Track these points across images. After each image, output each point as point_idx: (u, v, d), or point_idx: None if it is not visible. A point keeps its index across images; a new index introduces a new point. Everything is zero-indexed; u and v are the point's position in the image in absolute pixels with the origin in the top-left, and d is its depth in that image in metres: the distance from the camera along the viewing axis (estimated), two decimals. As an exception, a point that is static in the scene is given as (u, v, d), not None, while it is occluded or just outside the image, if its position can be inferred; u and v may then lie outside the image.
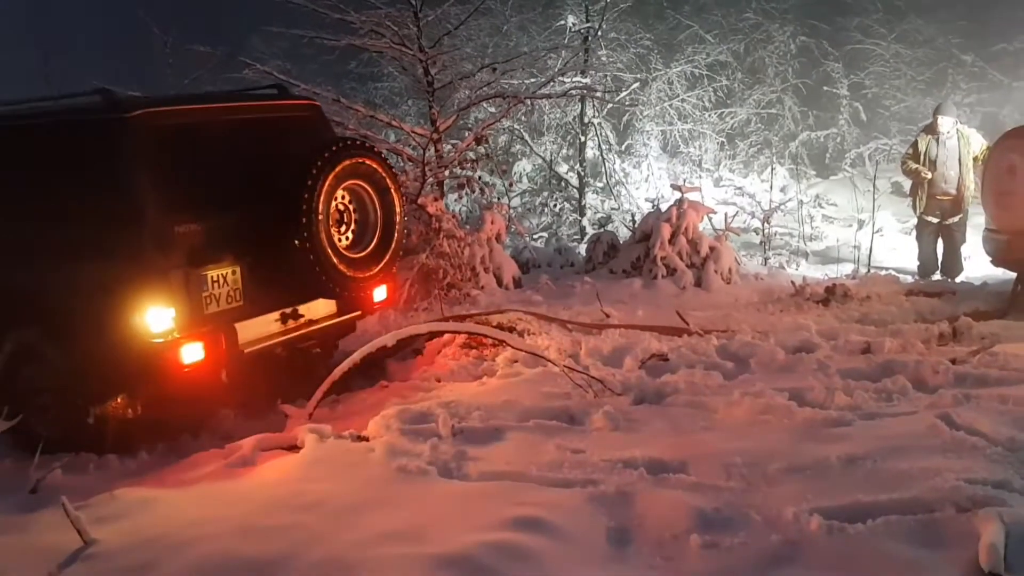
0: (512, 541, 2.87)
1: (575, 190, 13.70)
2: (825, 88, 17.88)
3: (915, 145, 8.55)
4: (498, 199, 10.53)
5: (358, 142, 4.85)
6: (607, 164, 14.31)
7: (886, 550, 2.80)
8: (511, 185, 12.20)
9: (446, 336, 5.55)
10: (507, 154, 14.11)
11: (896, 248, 10.90)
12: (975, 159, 8.12)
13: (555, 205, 13.78)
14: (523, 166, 14.55)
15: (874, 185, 11.30)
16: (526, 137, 13.38)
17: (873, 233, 10.64)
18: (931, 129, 8.38)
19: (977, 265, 8.46)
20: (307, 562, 2.86)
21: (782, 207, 11.57)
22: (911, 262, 9.28)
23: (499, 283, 8.22)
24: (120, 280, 4.11)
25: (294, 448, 3.97)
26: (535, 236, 11.96)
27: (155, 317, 4.07)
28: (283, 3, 7.99)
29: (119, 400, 4.24)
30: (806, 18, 19.33)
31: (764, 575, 2.75)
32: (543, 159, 13.85)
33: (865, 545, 2.84)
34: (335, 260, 4.59)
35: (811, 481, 3.33)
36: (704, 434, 3.98)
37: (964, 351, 5.10)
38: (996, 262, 7.06)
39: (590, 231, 12.24)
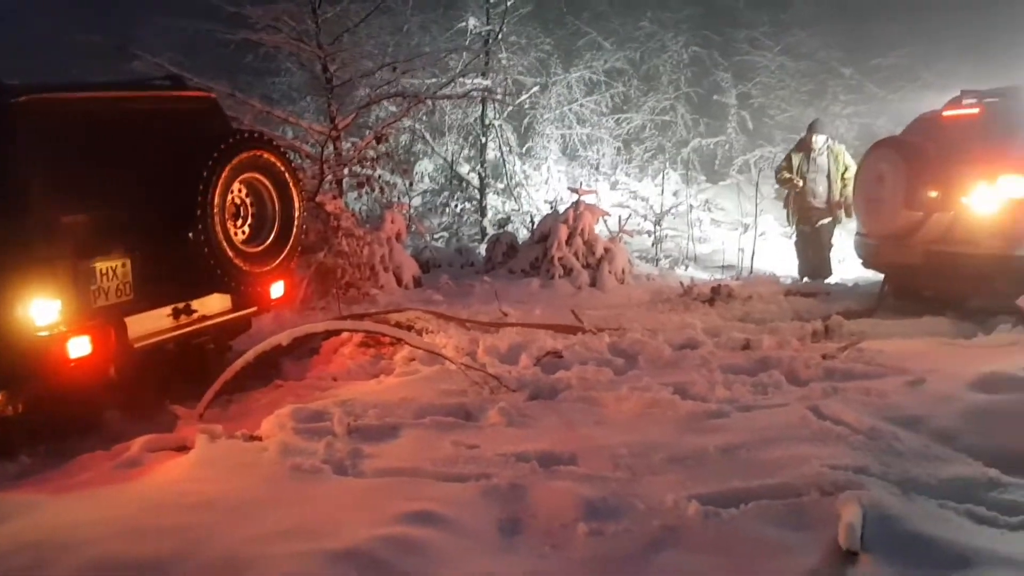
0: (405, 535, 2.93)
1: (476, 191, 13.82)
2: (715, 97, 18.62)
3: (788, 159, 9.03)
4: (399, 199, 10.53)
5: (256, 135, 4.80)
6: (508, 166, 14.50)
7: (756, 533, 3.00)
8: (411, 185, 12.22)
9: (343, 335, 5.55)
10: (408, 153, 14.10)
11: (777, 251, 11.48)
12: (843, 177, 8.62)
13: (456, 205, 13.87)
14: (424, 166, 14.57)
15: (757, 191, 11.86)
16: (427, 137, 13.42)
17: (756, 236, 11.18)
18: (803, 146, 8.86)
19: (850, 267, 9.01)
20: (199, 562, 2.83)
21: (673, 211, 12.00)
22: (792, 264, 9.79)
23: (399, 282, 8.25)
24: (3, 270, 3.94)
25: (184, 449, 3.90)
26: (436, 236, 12.02)
27: (40, 309, 3.92)
28: None
29: (-1, 396, 4.07)
30: (698, 29, 20.07)
31: (645, 559, 2.90)
32: (444, 159, 13.91)
33: (738, 528, 3.03)
34: (231, 254, 4.54)
35: (691, 470, 3.53)
36: (594, 428, 4.13)
37: (834, 347, 5.45)
38: (867, 264, 7.54)
39: (490, 232, 12.39)
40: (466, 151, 14.78)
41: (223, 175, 4.42)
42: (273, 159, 4.79)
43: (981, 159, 6.34)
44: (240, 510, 3.20)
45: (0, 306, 3.94)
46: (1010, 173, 6.26)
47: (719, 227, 13.53)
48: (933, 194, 6.56)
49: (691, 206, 12.97)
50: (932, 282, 6.78)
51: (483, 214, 13.51)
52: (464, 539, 3.00)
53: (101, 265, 4.21)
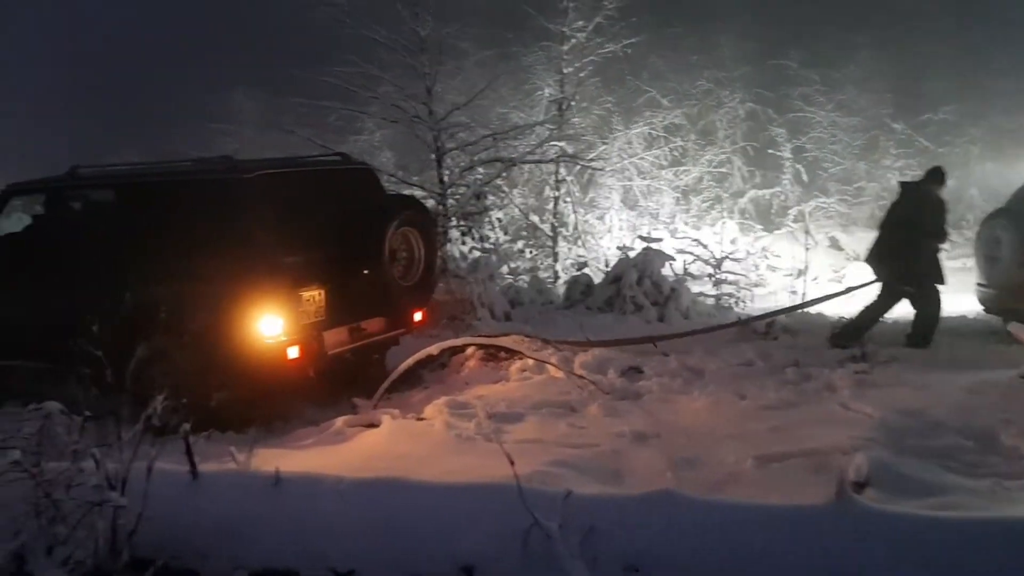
0: (549, 472, 4.29)
1: (548, 238, 15.26)
2: (770, 151, 19.84)
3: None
4: (492, 246, 12.06)
5: (411, 199, 6.33)
6: (575, 215, 15.93)
7: (794, 477, 4.28)
8: (505, 232, 13.77)
9: (467, 351, 6.98)
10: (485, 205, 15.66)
11: (828, 293, 12.58)
12: None
13: (530, 252, 15.32)
14: (499, 216, 16.10)
15: (813, 239, 13.03)
16: (506, 190, 14.94)
17: (809, 280, 12.36)
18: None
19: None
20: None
21: (731, 257, 13.23)
22: (841, 304, 10.85)
23: (492, 316, 9.68)
24: (242, 299, 5.45)
25: (373, 426, 5.33)
26: (517, 278, 13.44)
27: (269, 324, 5.42)
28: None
29: (235, 388, 5.54)
30: (753, 87, 21.41)
31: (714, 493, 4.20)
32: (520, 210, 15.41)
33: (781, 474, 4.32)
34: (392, 288, 6.02)
35: (747, 442, 4.81)
36: (672, 417, 5.46)
37: (866, 366, 6.67)
38: (988, 310, 8.63)
39: (563, 275, 13.78)
40: (533, 200, 16.28)
41: (391, 228, 5.92)
42: (421, 217, 6.30)
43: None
44: (429, 457, 4.59)
45: (241, 323, 5.46)
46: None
47: (775, 272, 14.69)
48: None
49: (748, 252, 14.19)
50: None
51: (556, 259, 14.91)
52: (588, 477, 4.34)
53: (305, 294, 5.71)
